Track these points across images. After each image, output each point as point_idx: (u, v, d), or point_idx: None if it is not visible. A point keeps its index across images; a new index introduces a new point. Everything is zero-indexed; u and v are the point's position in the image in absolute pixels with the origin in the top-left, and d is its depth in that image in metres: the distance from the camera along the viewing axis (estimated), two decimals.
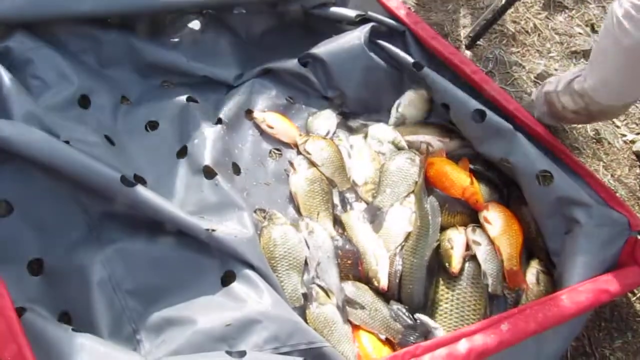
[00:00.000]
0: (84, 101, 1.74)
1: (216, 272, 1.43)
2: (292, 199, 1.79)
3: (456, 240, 1.66)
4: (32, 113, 1.50)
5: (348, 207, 1.79)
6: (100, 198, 1.45)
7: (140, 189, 1.42)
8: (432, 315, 1.60)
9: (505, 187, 1.83)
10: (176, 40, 2.03)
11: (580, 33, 2.55)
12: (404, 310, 1.58)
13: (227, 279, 1.42)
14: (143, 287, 1.39)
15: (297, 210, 1.77)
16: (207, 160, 1.64)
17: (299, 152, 1.88)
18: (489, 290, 1.61)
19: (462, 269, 1.63)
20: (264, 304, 1.36)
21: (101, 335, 1.29)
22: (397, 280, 1.63)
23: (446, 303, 1.60)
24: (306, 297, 1.56)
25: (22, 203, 1.44)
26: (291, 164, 1.82)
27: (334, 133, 1.95)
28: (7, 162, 1.43)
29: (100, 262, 1.39)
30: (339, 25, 2.14)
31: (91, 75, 1.85)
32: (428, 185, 1.79)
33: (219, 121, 1.77)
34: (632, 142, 2.20)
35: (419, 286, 1.62)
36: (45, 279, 1.40)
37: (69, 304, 1.36)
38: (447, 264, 1.62)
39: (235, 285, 1.40)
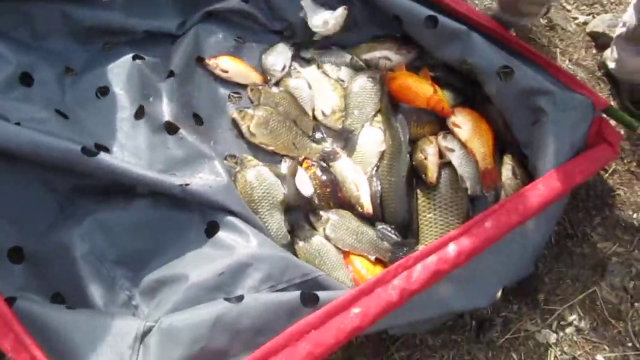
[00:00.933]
0: (25, 79, 1.66)
1: (199, 226, 1.42)
2: None
3: (429, 150, 1.68)
4: None
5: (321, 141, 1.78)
6: (66, 174, 1.41)
7: (103, 156, 1.38)
8: (417, 227, 1.63)
9: (469, 89, 1.83)
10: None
11: None
12: (389, 229, 1.61)
13: (211, 230, 1.42)
14: (128, 254, 1.38)
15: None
16: (167, 115, 1.60)
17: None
18: (469, 192, 1.64)
19: (439, 177, 1.65)
20: (252, 246, 1.36)
21: (97, 308, 1.29)
22: (379, 201, 1.65)
23: (429, 213, 1.62)
24: (292, 233, 1.57)
25: None
26: (234, 119, 1.76)
27: (290, 66, 1.90)
28: None
29: (79, 237, 1.37)
30: None
31: (29, 51, 1.75)
32: (393, 100, 1.79)
33: (171, 74, 1.72)
34: (585, 23, 2.20)
35: (401, 203, 1.64)
36: (28, 265, 1.38)
37: (58, 285, 1.35)
38: (423, 175, 1.64)
39: (220, 234, 1.40)
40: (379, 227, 1.61)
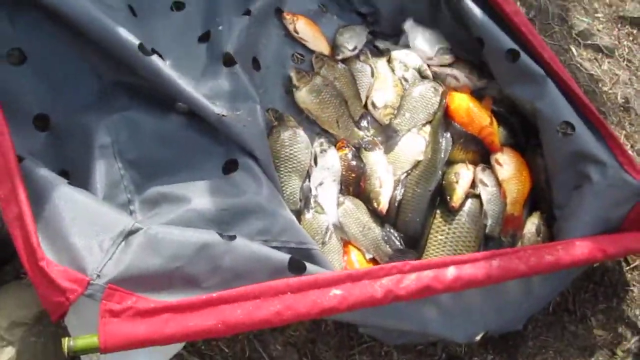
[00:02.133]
0: None
1: (220, 158, 1.41)
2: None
3: (463, 175, 1.64)
4: None
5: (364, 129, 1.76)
6: (116, 64, 1.41)
7: (157, 59, 1.38)
8: (425, 244, 1.59)
9: (525, 135, 1.79)
10: None
11: None
12: (395, 235, 1.58)
13: (229, 167, 1.40)
14: (144, 159, 1.38)
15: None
16: (229, 48, 1.59)
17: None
18: (487, 230, 1.61)
19: (462, 205, 1.61)
20: (262, 196, 1.35)
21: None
22: (396, 206, 1.62)
23: (441, 235, 1.59)
24: (303, 202, 1.55)
25: (36, 55, 1.40)
26: (290, 77, 1.73)
27: (361, 50, 1.89)
28: (27, 10, 1.38)
29: (105, 127, 1.37)
30: None
31: None
32: (447, 118, 1.76)
33: (247, 12, 1.71)
34: None
35: (418, 216, 1.61)
36: (49, 135, 1.38)
37: (68, 164, 1.35)
38: (448, 197, 1.61)
39: (236, 174, 1.39)
40: (387, 229, 1.58)
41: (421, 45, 1.91)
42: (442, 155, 1.65)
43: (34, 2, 1.35)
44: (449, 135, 1.70)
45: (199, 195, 1.33)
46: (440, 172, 1.63)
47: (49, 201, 1.15)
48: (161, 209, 1.32)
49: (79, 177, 1.34)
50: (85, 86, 1.44)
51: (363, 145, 1.70)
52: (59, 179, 1.21)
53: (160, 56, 1.50)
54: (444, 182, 1.64)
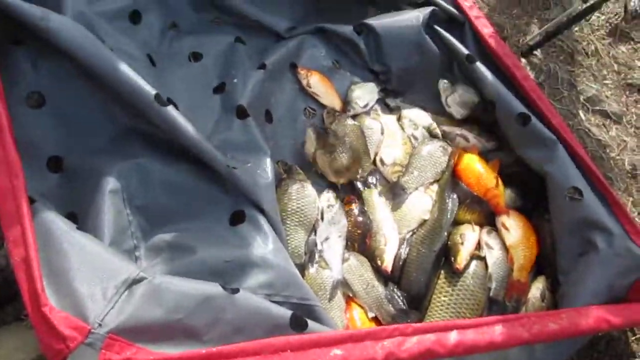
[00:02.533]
0: (135, 17, 1.74)
1: (227, 209, 1.43)
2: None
3: (468, 237, 1.64)
4: (83, 14, 1.51)
5: (372, 185, 1.77)
6: (132, 112, 1.44)
7: (172, 110, 1.41)
8: (428, 305, 1.58)
9: (531, 200, 1.79)
10: None
11: (639, 67, 2.48)
12: (399, 294, 1.57)
13: (236, 218, 1.41)
14: (153, 206, 1.39)
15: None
16: (243, 100, 1.63)
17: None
18: (491, 294, 1.59)
19: (466, 267, 1.61)
20: (267, 249, 1.35)
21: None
22: (400, 264, 1.62)
23: (445, 296, 1.58)
24: (307, 256, 1.55)
25: (54, 98, 1.43)
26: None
27: (372, 107, 1.92)
28: (49, 55, 1.43)
29: (117, 172, 1.39)
30: (401, 4, 2.11)
31: None
32: (454, 177, 1.77)
33: (262, 66, 1.76)
34: None
35: (422, 276, 1.60)
36: (61, 177, 1.40)
37: (78, 206, 1.37)
38: (452, 258, 1.60)
39: (242, 226, 1.40)
40: (391, 288, 1.57)
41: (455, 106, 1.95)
42: (448, 216, 1.65)
43: (57, 48, 1.40)
44: (455, 196, 1.70)
45: (204, 246, 1.33)
46: (445, 233, 1.63)
47: (57, 245, 1.15)
48: (166, 257, 1.33)
49: (87, 221, 1.35)
50: (101, 131, 1.47)
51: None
52: (68, 224, 1.22)
53: (176, 106, 1.54)
54: (449, 242, 1.63)
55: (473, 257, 1.63)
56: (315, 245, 1.58)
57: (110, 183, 1.38)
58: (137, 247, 1.35)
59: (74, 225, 1.23)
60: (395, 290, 1.57)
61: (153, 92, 1.41)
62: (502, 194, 1.72)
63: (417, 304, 1.59)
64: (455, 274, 1.60)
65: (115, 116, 1.47)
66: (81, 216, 1.36)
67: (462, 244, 1.62)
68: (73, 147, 1.43)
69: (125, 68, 1.41)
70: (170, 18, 1.86)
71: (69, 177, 1.41)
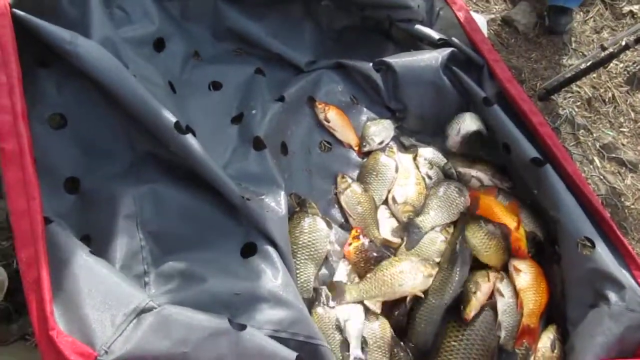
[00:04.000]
0: (159, 44, 1.77)
1: (239, 241, 1.42)
2: (329, 192, 1.79)
3: (482, 288, 1.61)
4: (109, 39, 1.53)
5: None
6: (151, 138, 1.45)
7: (190, 138, 1.42)
8: (437, 350, 1.55)
9: (544, 243, 1.78)
10: (261, 13, 2.05)
11: None
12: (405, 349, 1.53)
13: (247, 250, 1.41)
14: (165, 233, 1.39)
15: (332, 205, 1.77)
16: (260, 132, 1.64)
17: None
18: (500, 342, 1.57)
19: (474, 318, 1.57)
20: (277, 284, 1.34)
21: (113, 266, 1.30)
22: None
23: (455, 341, 1.53)
24: (316, 292, 1.55)
25: (76, 120, 1.45)
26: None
27: (387, 144, 1.93)
28: (73, 78, 1.45)
29: (132, 197, 1.40)
30: (420, 43, 2.13)
31: (172, 23, 1.89)
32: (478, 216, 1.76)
33: (281, 99, 1.78)
34: None
35: (432, 327, 1.56)
36: (77, 199, 1.42)
37: (92, 229, 1.37)
38: (462, 307, 1.57)
39: (254, 259, 1.39)
40: (400, 342, 1.54)
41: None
42: (461, 271, 1.62)
43: (82, 71, 1.42)
44: (467, 250, 1.68)
45: (214, 276, 1.33)
46: (459, 288, 1.59)
47: (69, 269, 1.16)
48: (175, 285, 1.32)
49: (100, 243, 1.36)
50: (119, 155, 1.48)
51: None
52: (81, 247, 1.22)
53: (194, 134, 1.55)
54: (461, 290, 1.60)
55: (484, 307, 1.60)
56: (323, 281, 1.57)
57: (125, 207, 1.40)
58: (147, 273, 1.35)
59: (88, 249, 1.24)
60: (400, 344, 1.53)
61: (173, 119, 1.42)
62: (524, 238, 1.71)
63: (425, 354, 1.55)
64: (463, 323, 1.57)
65: (134, 141, 1.49)
66: (95, 239, 1.36)
67: (474, 293, 1.59)
68: (91, 170, 1.45)
69: (147, 95, 1.43)
70: (192, 47, 1.89)
71: (85, 199, 1.42)
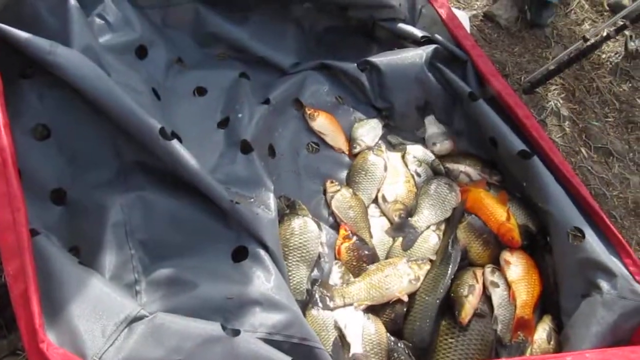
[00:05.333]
0: (141, 51, 1.76)
1: (230, 244, 1.41)
2: (318, 193, 1.78)
3: (473, 290, 1.60)
4: (90, 48, 1.51)
5: None
6: (136, 146, 1.44)
7: (176, 143, 1.41)
8: (435, 348, 1.55)
9: (535, 233, 1.78)
10: (243, 18, 2.04)
11: None
12: (405, 351, 1.52)
13: (238, 254, 1.40)
14: (155, 240, 1.38)
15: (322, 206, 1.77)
16: (247, 135, 1.63)
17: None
18: (497, 334, 1.56)
19: (469, 321, 1.57)
20: (270, 287, 1.34)
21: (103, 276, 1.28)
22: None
23: (451, 338, 1.53)
24: (309, 293, 1.54)
25: (60, 131, 1.43)
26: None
27: (376, 144, 1.93)
28: (56, 88, 1.43)
29: (120, 205, 1.38)
30: (403, 42, 2.13)
31: (154, 31, 1.87)
32: (467, 211, 1.77)
33: (267, 101, 1.77)
34: None
35: (427, 325, 1.55)
36: (64, 210, 1.40)
37: (80, 239, 1.36)
38: (457, 312, 1.55)
39: (245, 262, 1.38)
40: (394, 342, 1.53)
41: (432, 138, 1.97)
42: (452, 266, 1.62)
43: (63, 81, 1.41)
44: (459, 246, 1.68)
45: (206, 281, 1.32)
46: (449, 281, 1.60)
47: (58, 280, 1.15)
48: (167, 292, 1.31)
49: (89, 254, 1.34)
50: (105, 164, 1.47)
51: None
52: (69, 258, 1.21)
53: (180, 139, 1.54)
54: (452, 294, 1.60)
55: (477, 310, 1.59)
56: (316, 282, 1.56)
57: (113, 216, 1.38)
58: (137, 282, 1.34)
59: (76, 260, 1.22)
60: (399, 344, 1.53)
61: (158, 125, 1.41)
62: (516, 227, 1.71)
63: (421, 353, 1.55)
64: (457, 326, 1.56)
65: (120, 149, 1.47)
66: (83, 249, 1.35)
67: (466, 297, 1.58)
68: (77, 180, 1.43)
69: (130, 102, 1.42)
70: (175, 53, 1.88)
71: (73, 210, 1.40)
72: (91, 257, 1.33)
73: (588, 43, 2.24)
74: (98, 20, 1.72)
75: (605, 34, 2.21)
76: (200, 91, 1.81)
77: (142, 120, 1.42)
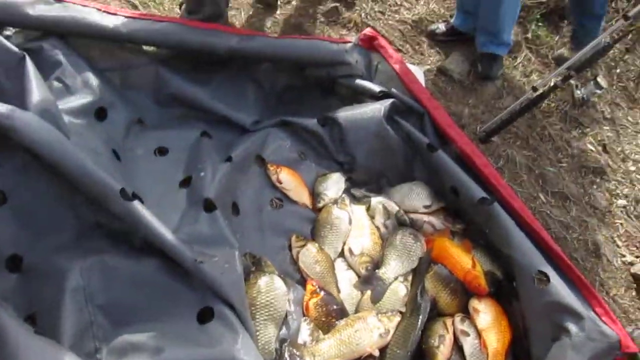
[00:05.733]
0: (100, 113, 1.76)
1: (195, 306, 1.38)
2: (283, 249, 1.77)
3: (444, 339, 1.60)
4: (48, 111, 1.50)
5: None
6: (97, 207, 1.42)
7: (137, 204, 1.40)
8: None
9: (502, 280, 1.80)
10: (204, 78, 2.07)
11: (592, 150, 2.60)
12: None
13: (204, 315, 1.37)
14: (116, 305, 1.34)
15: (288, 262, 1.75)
16: (210, 193, 1.62)
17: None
18: None
19: None
20: (237, 348, 1.30)
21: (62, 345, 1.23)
22: None
23: None
24: (278, 353, 1.50)
25: (16, 196, 1.41)
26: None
27: (340, 197, 1.94)
28: (12, 152, 1.41)
29: (79, 270, 1.34)
30: (362, 97, 2.18)
31: (114, 93, 1.88)
32: (434, 261, 1.78)
33: (229, 159, 1.77)
34: (631, 264, 2.19)
35: None
36: (20, 277, 1.36)
37: (37, 307, 1.31)
38: None
39: (211, 324, 1.35)
40: None
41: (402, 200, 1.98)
42: (422, 317, 1.62)
43: (21, 145, 1.38)
44: (427, 297, 1.68)
45: (171, 346, 1.28)
46: (419, 332, 1.59)
47: (12, 353, 1.09)
48: None
49: (47, 321, 1.30)
50: (64, 228, 1.44)
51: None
52: (25, 328, 1.16)
53: (141, 200, 1.52)
54: (424, 345, 1.59)
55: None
56: (285, 341, 1.52)
57: (72, 281, 1.34)
58: (98, 350, 1.29)
59: (32, 329, 1.17)
60: None
61: (118, 186, 1.40)
62: (482, 274, 1.72)
63: None
64: None
65: (80, 212, 1.45)
66: (40, 317, 1.30)
67: (437, 347, 1.58)
68: (34, 245, 1.39)
69: (90, 164, 1.41)
70: (136, 114, 1.88)
71: (29, 277, 1.36)
72: (49, 324, 1.28)
73: (537, 93, 2.34)
74: (56, 84, 1.72)
75: (552, 83, 2.31)
76: (162, 151, 1.80)
77: (102, 182, 1.40)
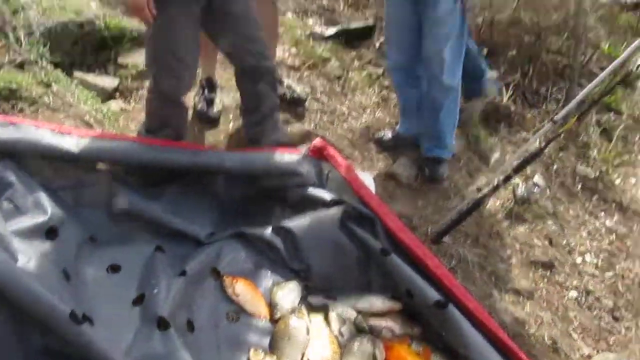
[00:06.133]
0: (51, 233, 1.74)
1: None
2: None
3: None
4: None
5: None
6: (45, 331, 1.37)
7: (86, 328, 1.36)
8: None
9: None
10: (159, 192, 2.09)
11: (539, 245, 2.70)
12: None
13: None
14: None
15: None
16: (163, 311, 1.60)
17: None
18: None
19: None
20: None
21: None
22: None
23: None
24: None
25: None
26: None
27: (297, 306, 1.92)
28: None
29: None
30: (314, 205, 2.24)
31: (66, 211, 1.87)
32: None
33: (183, 273, 1.76)
34: (589, 356, 2.21)
35: None
36: None
37: None
38: None
39: None
40: None
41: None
42: None
43: None
44: None
45: None
46: None
47: None
48: None
49: None
50: (10, 355, 1.38)
51: None
52: None
53: (92, 321, 1.48)
54: None
55: None
56: None
57: None
58: None
59: None
60: None
61: (68, 310, 1.37)
62: None
63: None
64: None
65: (27, 336, 1.40)
66: None
67: None
68: None
69: (38, 287, 1.39)
70: (87, 232, 1.87)
71: None
72: None
73: (481, 193, 2.46)
74: (6, 205, 1.72)
75: (495, 183, 2.43)
76: (114, 268, 1.78)
77: (50, 306, 1.38)
